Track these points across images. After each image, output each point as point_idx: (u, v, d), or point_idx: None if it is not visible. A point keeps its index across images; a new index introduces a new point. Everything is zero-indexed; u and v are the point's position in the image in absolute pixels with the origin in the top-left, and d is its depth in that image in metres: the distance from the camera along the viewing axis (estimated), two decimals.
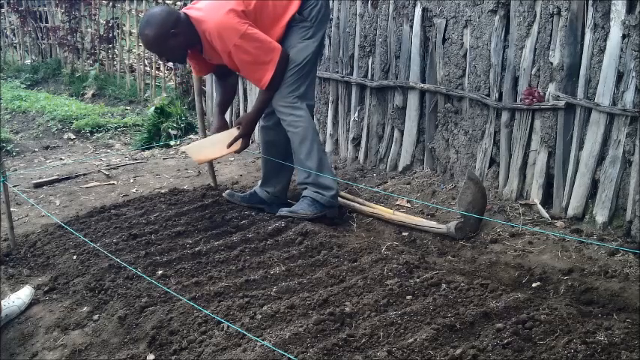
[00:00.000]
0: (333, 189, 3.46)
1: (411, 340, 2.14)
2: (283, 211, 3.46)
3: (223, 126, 3.59)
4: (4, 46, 10.03)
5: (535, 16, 3.29)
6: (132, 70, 7.86)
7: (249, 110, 3.55)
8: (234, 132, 3.44)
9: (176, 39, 3.20)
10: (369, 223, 3.52)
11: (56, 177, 4.73)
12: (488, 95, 3.58)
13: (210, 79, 5.84)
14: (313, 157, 3.40)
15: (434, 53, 3.85)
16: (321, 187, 3.42)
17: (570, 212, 3.27)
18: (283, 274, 2.80)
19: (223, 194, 3.82)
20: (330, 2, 4.45)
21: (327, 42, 4.54)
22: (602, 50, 3.02)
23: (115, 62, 8.15)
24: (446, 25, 3.75)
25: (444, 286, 2.55)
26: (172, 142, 5.65)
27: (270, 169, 3.69)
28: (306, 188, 3.46)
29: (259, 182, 3.76)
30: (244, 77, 3.41)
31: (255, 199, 3.72)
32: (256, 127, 3.82)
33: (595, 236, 3.09)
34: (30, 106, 7.28)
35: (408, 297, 2.50)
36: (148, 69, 7.43)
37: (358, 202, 3.71)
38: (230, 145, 3.43)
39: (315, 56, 3.47)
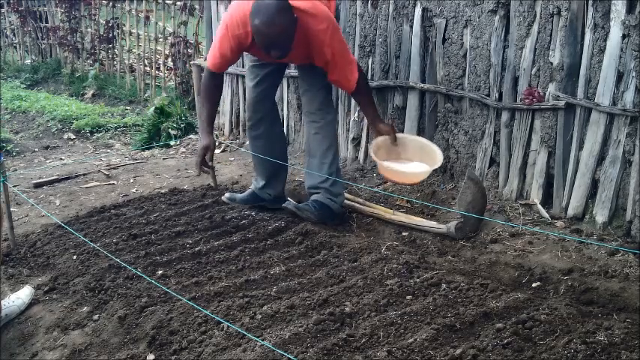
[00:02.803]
0: (342, 195, 3.55)
1: (411, 340, 2.14)
2: (290, 204, 3.48)
3: (213, 143, 3.46)
4: (4, 46, 10.03)
5: (535, 16, 3.29)
6: (132, 70, 7.86)
7: (363, 117, 3.72)
8: (428, 168, 3.41)
9: (294, 31, 3.08)
10: (369, 223, 3.52)
11: (56, 177, 4.73)
12: (488, 95, 3.58)
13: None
14: (335, 163, 3.49)
15: (434, 53, 3.85)
16: (334, 193, 3.46)
17: (570, 212, 3.27)
18: (283, 274, 2.80)
19: (222, 198, 3.77)
20: None
21: None
22: (602, 50, 3.02)
23: (115, 62, 8.15)
24: (446, 25, 3.74)
25: (444, 286, 2.55)
26: (172, 142, 5.65)
27: (271, 174, 3.70)
28: (317, 192, 3.49)
29: (258, 185, 3.74)
30: (332, 78, 3.35)
31: (256, 199, 3.73)
32: (248, 137, 3.81)
33: (595, 236, 3.09)
34: (30, 106, 7.28)
35: (408, 297, 2.50)
36: (148, 69, 7.43)
37: (358, 202, 3.71)
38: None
39: None
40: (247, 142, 4.08)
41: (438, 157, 3.42)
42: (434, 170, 3.43)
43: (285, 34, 3.03)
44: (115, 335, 2.51)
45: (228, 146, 5.24)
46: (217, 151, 5.06)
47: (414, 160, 3.52)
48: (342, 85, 3.46)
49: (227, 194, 3.81)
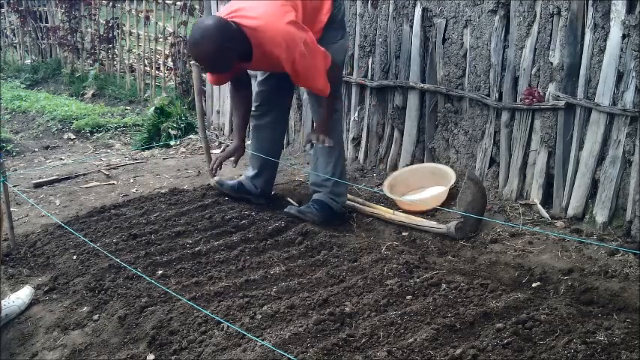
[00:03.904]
0: (345, 197, 3.58)
1: (411, 340, 2.14)
2: (292, 209, 3.48)
3: (242, 145, 3.65)
4: (4, 46, 10.02)
5: (535, 16, 3.29)
6: (132, 70, 7.85)
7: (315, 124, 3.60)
8: (445, 188, 3.62)
9: (229, 52, 3.10)
10: (369, 223, 3.52)
11: (56, 177, 4.72)
12: (488, 95, 3.58)
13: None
14: (339, 162, 3.51)
15: (434, 53, 3.85)
16: (336, 193, 3.48)
17: (570, 212, 3.27)
18: (283, 274, 2.80)
19: (211, 181, 3.85)
20: None
21: None
22: (602, 50, 3.02)
23: (115, 62, 8.15)
24: (446, 25, 3.75)
25: (444, 286, 2.55)
26: (172, 142, 5.64)
27: (263, 165, 3.76)
28: (319, 191, 3.50)
29: (249, 174, 3.80)
30: (302, 86, 3.41)
31: (242, 189, 3.79)
32: (250, 125, 3.84)
33: (595, 236, 3.09)
34: (30, 106, 7.28)
35: (408, 297, 2.50)
36: (148, 69, 7.42)
37: (358, 202, 3.71)
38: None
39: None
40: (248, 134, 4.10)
41: (450, 175, 3.66)
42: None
43: (209, 56, 3.07)
44: (115, 335, 2.51)
45: (228, 145, 5.24)
46: (217, 150, 5.07)
47: (429, 186, 3.78)
48: (314, 91, 3.38)
49: (216, 178, 3.84)
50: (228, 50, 3.07)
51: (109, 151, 5.79)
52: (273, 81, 3.60)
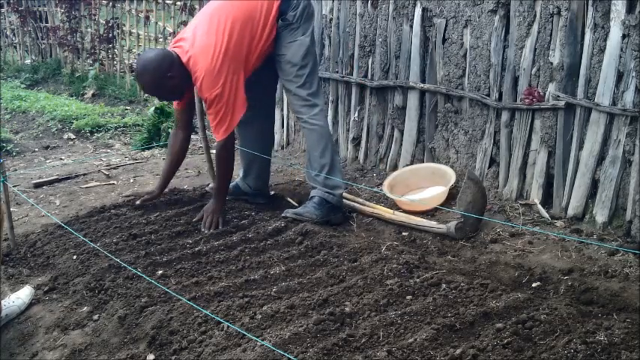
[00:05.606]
0: (342, 188, 3.54)
1: (411, 340, 2.14)
2: (289, 212, 3.47)
3: (158, 195, 3.74)
4: (4, 46, 10.02)
5: (535, 16, 3.29)
6: (132, 70, 7.84)
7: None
8: (445, 188, 3.63)
9: (172, 81, 3.23)
10: (369, 223, 3.52)
11: (56, 177, 4.72)
12: (488, 95, 3.58)
13: None
14: (327, 155, 3.47)
15: (434, 53, 3.85)
16: (330, 186, 3.46)
17: (570, 212, 3.27)
18: (283, 274, 2.80)
19: (207, 188, 3.86)
20: (330, 2, 4.46)
21: (327, 42, 4.54)
22: (602, 50, 3.03)
23: (115, 62, 8.15)
24: (446, 25, 3.75)
25: (444, 286, 2.55)
26: None
27: (251, 163, 3.77)
28: (314, 187, 3.50)
29: (240, 174, 3.83)
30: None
31: (238, 191, 3.80)
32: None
33: (595, 236, 3.09)
34: (30, 106, 7.27)
35: (408, 297, 2.50)
36: None
37: (358, 202, 3.71)
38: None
39: (313, 49, 3.50)
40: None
41: (450, 174, 3.66)
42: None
43: (152, 86, 3.30)
44: (115, 335, 2.51)
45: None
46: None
47: (429, 186, 3.78)
48: (212, 132, 3.44)
49: (211, 184, 3.85)
50: (168, 79, 3.22)
51: (109, 151, 5.79)
52: (256, 75, 3.53)
